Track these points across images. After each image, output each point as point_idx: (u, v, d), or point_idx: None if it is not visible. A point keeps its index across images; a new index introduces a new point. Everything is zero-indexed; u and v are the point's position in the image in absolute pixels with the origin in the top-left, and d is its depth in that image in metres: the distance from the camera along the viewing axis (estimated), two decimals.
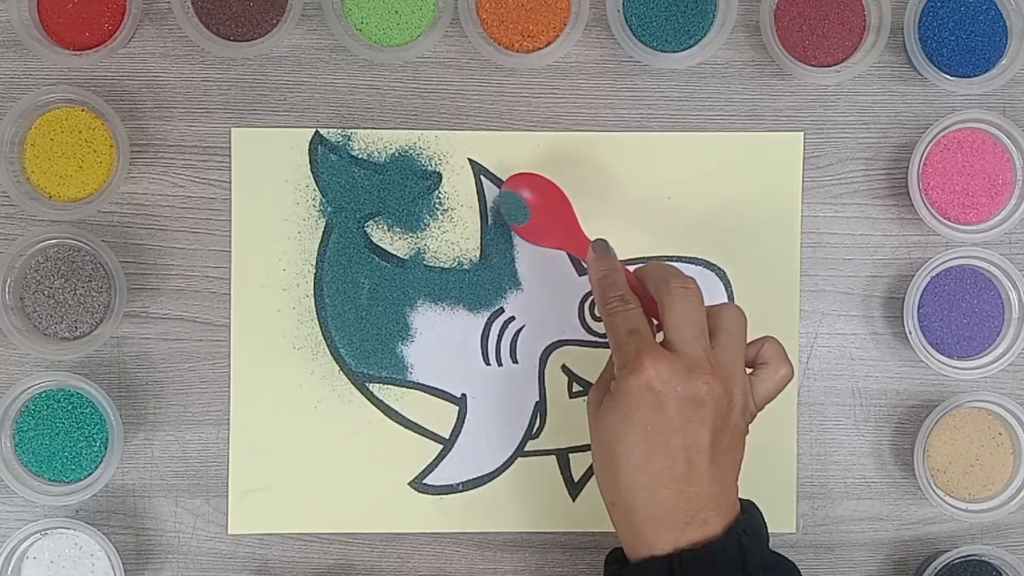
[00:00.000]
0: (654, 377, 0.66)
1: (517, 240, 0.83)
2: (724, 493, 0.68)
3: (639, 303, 0.71)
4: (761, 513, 0.71)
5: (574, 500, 0.84)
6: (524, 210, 0.80)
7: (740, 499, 0.70)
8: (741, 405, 0.69)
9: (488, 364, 0.83)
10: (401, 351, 0.83)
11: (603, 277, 0.73)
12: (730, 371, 0.69)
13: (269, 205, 0.83)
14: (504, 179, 0.83)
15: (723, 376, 0.68)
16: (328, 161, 0.83)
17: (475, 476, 0.83)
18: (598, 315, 0.83)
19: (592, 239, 0.76)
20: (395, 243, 0.83)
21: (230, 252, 0.83)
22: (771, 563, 0.68)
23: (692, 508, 0.66)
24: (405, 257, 0.83)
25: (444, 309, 0.83)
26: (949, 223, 0.82)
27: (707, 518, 0.67)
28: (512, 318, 0.83)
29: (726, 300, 0.83)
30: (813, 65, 0.82)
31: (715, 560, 0.66)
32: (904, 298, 0.82)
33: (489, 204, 0.82)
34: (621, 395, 0.67)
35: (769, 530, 0.83)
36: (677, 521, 0.66)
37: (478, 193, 0.83)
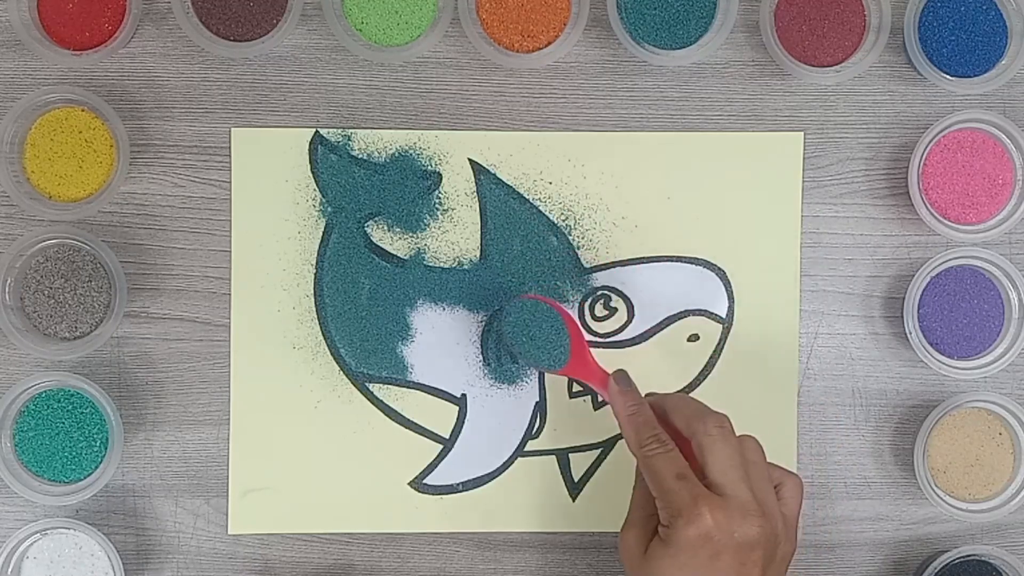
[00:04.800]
0: (713, 526, 0.66)
1: (517, 240, 0.83)
2: None
3: (673, 442, 0.71)
4: None
5: (574, 500, 0.84)
6: (564, 346, 0.78)
7: None
8: (783, 535, 0.69)
9: (488, 364, 0.83)
10: (401, 351, 0.83)
11: (633, 414, 0.72)
12: (770, 505, 0.69)
13: (269, 205, 0.83)
14: (503, 180, 0.83)
15: (767, 512, 0.68)
16: (328, 161, 0.83)
17: (475, 476, 0.83)
18: (598, 315, 0.83)
19: (611, 371, 0.75)
20: (395, 243, 0.83)
21: (230, 252, 0.83)
22: None
23: None
24: (405, 257, 0.83)
25: (444, 309, 0.83)
26: (949, 223, 0.82)
27: None
28: None
29: (726, 300, 0.83)
30: (813, 65, 0.82)
31: None
32: (904, 298, 0.82)
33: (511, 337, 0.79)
34: (677, 544, 0.67)
35: None
36: None
37: (478, 193, 0.83)
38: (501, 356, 0.83)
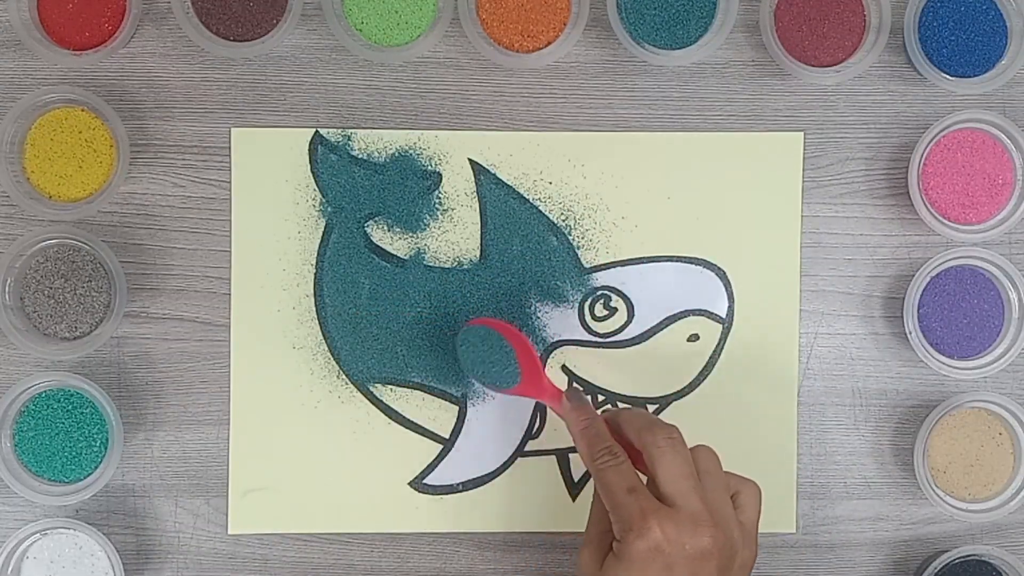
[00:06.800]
0: (662, 539, 0.66)
1: (517, 240, 0.83)
2: None
3: (626, 454, 0.71)
4: None
5: (574, 500, 0.84)
6: (514, 368, 0.78)
7: None
8: (740, 542, 0.69)
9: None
10: (401, 351, 0.83)
11: (585, 428, 0.73)
12: (725, 514, 0.69)
13: (269, 205, 0.83)
14: (503, 180, 0.83)
15: (721, 522, 0.68)
16: (328, 161, 0.83)
17: (475, 476, 0.83)
18: (598, 315, 0.83)
19: (564, 389, 0.76)
20: (395, 243, 0.83)
21: (230, 252, 0.83)
22: None
23: None
24: (405, 257, 0.83)
25: (444, 309, 0.83)
26: (949, 223, 0.82)
27: None
28: (512, 318, 0.83)
29: (726, 300, 0.83)
30: (813, 65, 0.82)
31: None
32: (904, 298, 0.82)
33: (466, 358, 0.80)
34: (629, 559, 0.66)
35: (769, 530, 0.83)
36: None
37: (478, 193, 0.83)
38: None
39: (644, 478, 0.70)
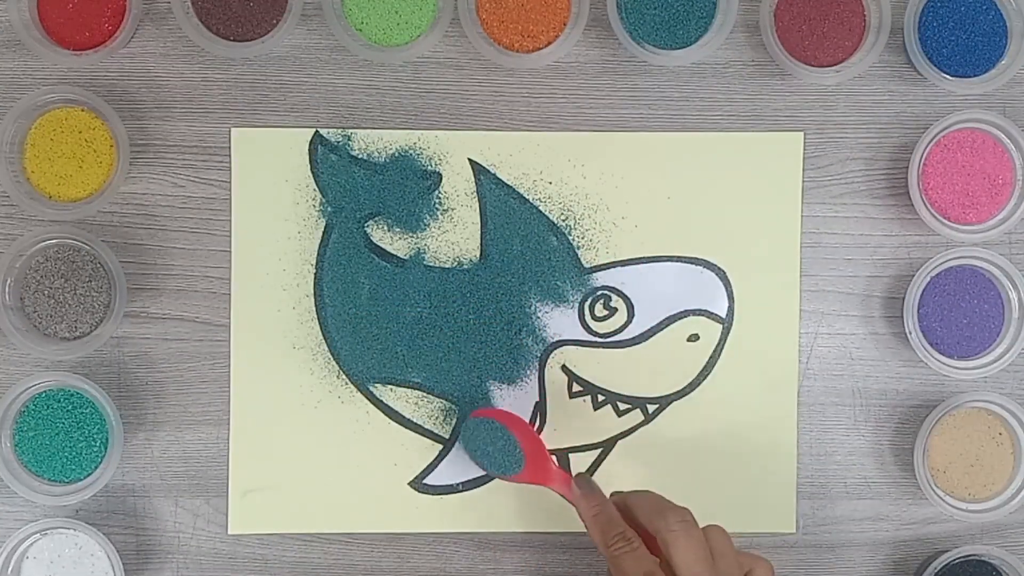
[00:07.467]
0: None
1: (517, 240, 0.83)
2: None
3: (640, 539, 0.71)
4: None
5: None
6: (518, 455, 0.78)
7: None
8: None
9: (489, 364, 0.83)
10: (401, 351, 0.83)
11: (597, 514, 0.73)
12: None
13: (269, 205, 0.83)
14: (503, 180, 0.83)
15: None
16: (328, 161, 0.83)
17: (475, 476, 0.83)
18: (598, 315, 0.83)
19: (573, 475, 0.76)
20: (395, 243, 0.83)
21: (230, 252, 0.83)
22: None
23: None
24: (405, 257, 0.83)
25: (444, 309, 0.83)
26: (949, 223, 0.82)
27: None
28: (512, 318, 0.83)
29: (726, 300, 0.83)
30: (813, 65, 0.82)
31: None
32: (904, 298, 0.82)
33: (466, 443, 0.80)
34: None
35: (769, 530, 0.83)
36: None
37: (478, 193, 0.83)
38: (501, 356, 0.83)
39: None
